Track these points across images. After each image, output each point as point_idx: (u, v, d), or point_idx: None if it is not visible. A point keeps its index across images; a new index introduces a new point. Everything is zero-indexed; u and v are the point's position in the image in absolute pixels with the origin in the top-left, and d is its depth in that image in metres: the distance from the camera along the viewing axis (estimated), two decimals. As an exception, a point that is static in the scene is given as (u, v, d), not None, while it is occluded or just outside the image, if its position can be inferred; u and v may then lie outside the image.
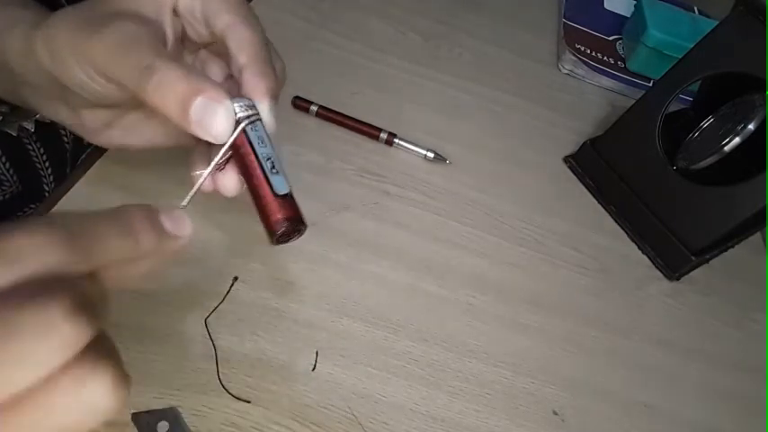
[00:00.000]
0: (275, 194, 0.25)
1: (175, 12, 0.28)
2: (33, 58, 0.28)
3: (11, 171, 0.41)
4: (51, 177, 0.45)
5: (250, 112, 0.26)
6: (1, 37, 0.29)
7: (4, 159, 0.41)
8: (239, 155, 0.26)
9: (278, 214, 0.25)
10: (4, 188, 0.42)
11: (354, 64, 0.57)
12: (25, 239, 0.17)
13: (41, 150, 0.43)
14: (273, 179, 0.25)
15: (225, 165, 0.27)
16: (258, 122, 0.26)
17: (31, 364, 0.16)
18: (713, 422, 0.43)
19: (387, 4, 0.65)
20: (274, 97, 0.27)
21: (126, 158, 0.42)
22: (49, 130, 0.42)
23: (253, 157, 0.25)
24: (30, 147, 0.42)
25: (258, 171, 0.25)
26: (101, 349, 0.18)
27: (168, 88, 0.24)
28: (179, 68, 0.24)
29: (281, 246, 0.42)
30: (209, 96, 0.24)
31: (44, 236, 0.18)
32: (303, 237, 0.44)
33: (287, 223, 0.25)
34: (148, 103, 0.25)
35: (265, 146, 0.26)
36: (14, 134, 0.40)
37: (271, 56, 0.28)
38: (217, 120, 0.24)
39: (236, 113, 0.25)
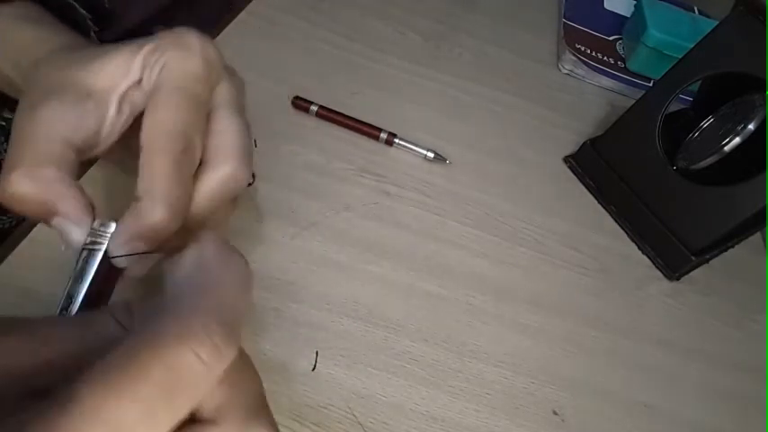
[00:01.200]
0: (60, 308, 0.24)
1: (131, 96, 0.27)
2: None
3: None
4: None
5: (99, 242, 0.24)
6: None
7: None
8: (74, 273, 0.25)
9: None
10: None
11: (354, 64, 0.57)
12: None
13: None
14: (64, 296, 0.24)
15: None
16: (96, 253, 0.24)
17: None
18: (713, 422, 0.43)
19: (387, 4, 0.65)
20: (143, 240, 0.24)
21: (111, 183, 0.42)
22: None
23: (70, 282, 0.24)
24: None
25: (66, 293, 0.24)
26: None
27: (23, 201, 0.24)
28: (37, 183, 0.24)
29: (281, 246, 0.42)
30: (70, 219, 0.24)
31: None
32: (304, 237, 0.44)
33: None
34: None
35: (80, 281, 0.24)
36: None
37: (175, 184, 0.25)
38: (72, 241, 0.25)
39: (87, 239, 0.24)
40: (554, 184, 0.55)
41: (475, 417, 0.38)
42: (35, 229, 0.37)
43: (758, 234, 0.55)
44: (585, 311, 0.46)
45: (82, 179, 0.41)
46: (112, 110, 0.27)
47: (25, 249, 0.36)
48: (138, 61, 0.27)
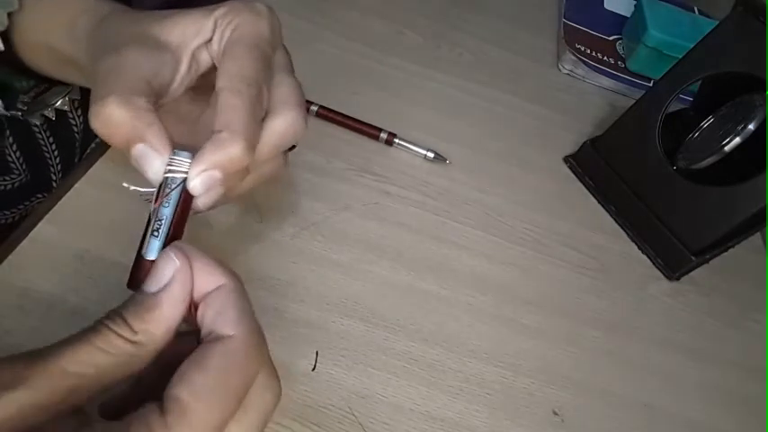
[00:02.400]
0: (142, 255, 0.25)
1: (203, 53, 0.29)
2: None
3: (20, 159, 0.42)
4: (59, 167, 0.45)
5: (179, 170, 0.26)
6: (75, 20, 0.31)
7: (14, 147, 0.41)
8: (153, 207, 0.26)
9: (134, 275, 0.25)
10: (13, 176, 0.42)
11: (354, 64, 0.57)
12: None
13: (51, 140, 0.43)
14: (149, 240, 0.25)
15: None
16: (181, 184, 0.26)
17: None
18: (713, 422, 0.43)
19: (387, 4, 0.65)
20: (220, 168, 0.26)
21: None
22: (61, 120, 0.43)
23: (153, 214, 0.26)
24: (40, 136, 0.42)
25: (147, 227, 0.26)
26: None
27: (113, 125, 0.25)
28: (130, 108, 0.25)
29: (281, 246, 0.42)
30: (151, 146, 0.26)
31: None
32: (304, 237, 0.44)
33: (133, 285, 0.25)
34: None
35: (167, 206, 0.26)
36: (37, 123, 0.41)
37: (249, 121, 0.27)
38: (149, 170, 0.26)
39: (168, 167, 0.26)
40: (554, 184, 0.55)
41: (475, 417, 0.38)
42: (35, 230, 0.37)
43: (758, 234, 0.55)
44: (585, 311, 0.46)
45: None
46: (185, 65, 0.29)
47: (25, 249, 0.36)
48: (210, 22, 0.29)
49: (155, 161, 0.26)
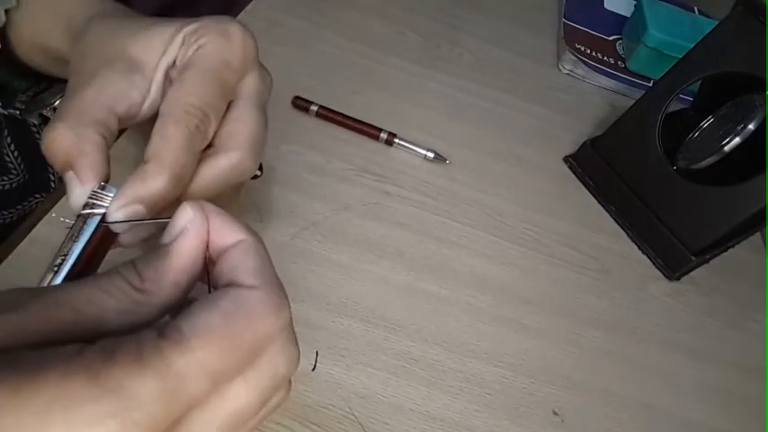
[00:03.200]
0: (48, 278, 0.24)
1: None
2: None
3: (18, 159, 0.42)
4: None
5: (99, 204, 0.25)
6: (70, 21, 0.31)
7: (12, 147, 0.41)
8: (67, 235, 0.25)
9: None
10: (11, 176, 0.42)
11: (354, 64, 0.57)
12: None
13: None
14: (47, 276, 0.24)
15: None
16: (97, 218, 0.25)
17: None
18: (713, 422, 0.43)
19: (387, 4, 0.65)
20: (143, 203, 0.25)
21: (127, 156, 0.42)
22: None
23: (63, 244, 0.24)
24: (38, 136, 0.42)
25: (55, 256, 0.24)
26: None
27: (53, 149, 0.25)
28: (69, 138, 0.25)
29: (281, 246, 0.42)
30: (77, 174, 0.25)
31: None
32: (304, 237, 0.44)
33: None
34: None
35: (77, 241, 0.24)
36: (36, 122, 0.41)
37: (185, 158, 0.26)
38: (71, 196, 0.25)
39: (87, 200, 0.25)
40: (554, 184, 0.55)
41: (475, 417, 0.38)
42: (35, 229, 0.37)
43: (758, 234, 0.55)
44: (585, 311, 0.46)
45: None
46: (155, 86, 0.28)
47: (25, 249, 0.36)
48: (177, 40, 0.28)
49: (75, 190, 0.25)
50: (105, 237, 0.25)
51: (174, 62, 0.28)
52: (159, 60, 0.28)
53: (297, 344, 0.23)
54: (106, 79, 0.27)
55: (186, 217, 0.22)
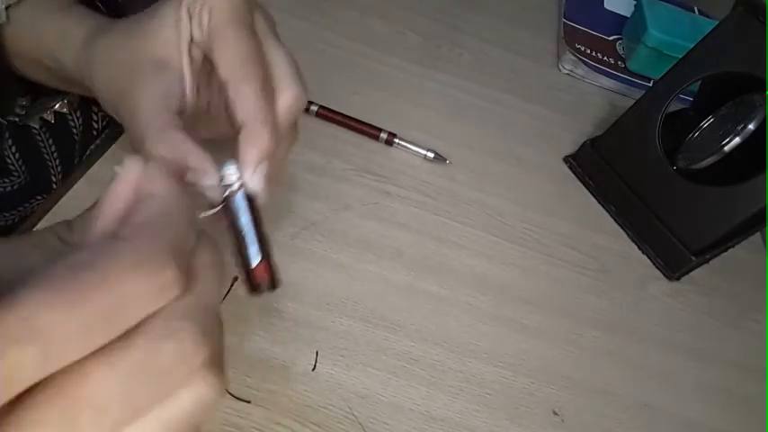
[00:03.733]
0: (247, 266, 0.26)
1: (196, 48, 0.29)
2: (82, 75, 0.31)
3: (20, 161, 0.42)
4: (59, 169, 0.45)
5: (233, 181, 0.26)
6: (60, 43, 0.32)
7: (14, 149, 0.41)
8: (228, 221, 0.27)
9: (251, 282, 0.26)
10: (12, 178, 0.42)
11: (354, 64, 0.57)
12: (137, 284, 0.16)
13: (50, 142, 0.43)
14: (247, 252, 0.26)
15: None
16: (239, 193, 0.26)
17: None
18: (713, 422, 0.43)
19: (387, 4, 0.65)
20: (264, 158, 0.27)
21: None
22: (61, 122, 0.43)
23: (231, 229, 0.26)
24: (39, 138, 0.42)
25: (236, 241, 0.26)
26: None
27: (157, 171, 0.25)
28: (166, 147, 0.26)
29: (281, 246, 0.42)
30: (197, 170, 0.26)
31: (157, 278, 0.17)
32: (304, 237, 0.44)
33: (255, 292, 0.26)
34: None
35: (240, 218, 0.26)
36: (36, 126, 0.41)
37: (267, 107, 0.27)
38: (206, 190, 0.26)
39: (221, 182, 0.26)
40: (554, 184, 0.55)
41: (475, 417, 0.38)
42: (35, 229, 0.37)
43: (758, 234, 0.55)
44: (585, 311, 0.46)
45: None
46: (187, 71, 0.29)
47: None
48: (183, 15, 0.28)
49: (208, 183, 0.26)
50: (252, 203, 0.27)
51: (192, 38, 0.28)
52: (179, 46, 0.28)
53: (212, 349, 0.18)
54: (146, 86, 0.27)
55: (124, 168, 0.21)
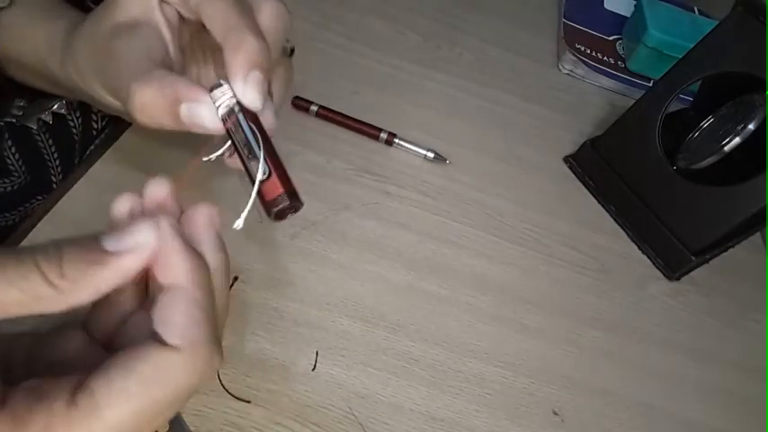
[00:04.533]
0: (255, 181, 0.25)
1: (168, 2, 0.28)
2: (69, 74, 0.30)
3: (20, 162, 0.42)
4: (59, 169, 0.45)
5: (227, 99, 0.25)
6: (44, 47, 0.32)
7: (14, 150, 0.41)
8: (233, 143, 0.26)
9: (265, 199, 0.25)
10: (12, 179, 0.42)
11: (354, 64, 0.57)
12: None
13: (50, 142, 0.43)
14: (250, 166, 0.25)
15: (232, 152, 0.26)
16: (235, 107, 0.25)
17: None
18: (713, 422, 0.43)
19: (387, 4, 0.65)
20: (254, 67, 0.25)
21: (128, 156, 0.42)
22: (60, 122, 0.43)
23: (233, 145, 0.25)
24: (39, 138, 0.42)
25: (239, 158, 0.25)
26: None
27: (152, 107, 0.25)
28: (152, 84, 0.25)
29: (281, 246, 0.42)
30: (189, 99, 0.25)
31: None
32: (304, 237, 0.44)
33: (274, 212, 0.25)
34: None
35: (239, 131, 0.25)
36: (34, 127, 0.41)
37: (247, 19, 0.26)
38: (204, 119, 0.25)
39: (217, 104, 0.25)
40: (554, 184, 0.55)
41: (475, 417, 0.38)
42: (34, 230, 0.37)
43: (758, 234, 0.55)
44: (585, 311, 0.46)
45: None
46: (163, 28, 0.28)
47: (25, 249, 0.36)
48: None
49: (202, 110, 0.25)
50: (255, 120, 0.25)
51: None
52: (149, 3, 0.27)
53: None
54: (126, 44, 0.27)
55: (143, 236, 0.20)
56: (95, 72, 0.28)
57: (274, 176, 0.25)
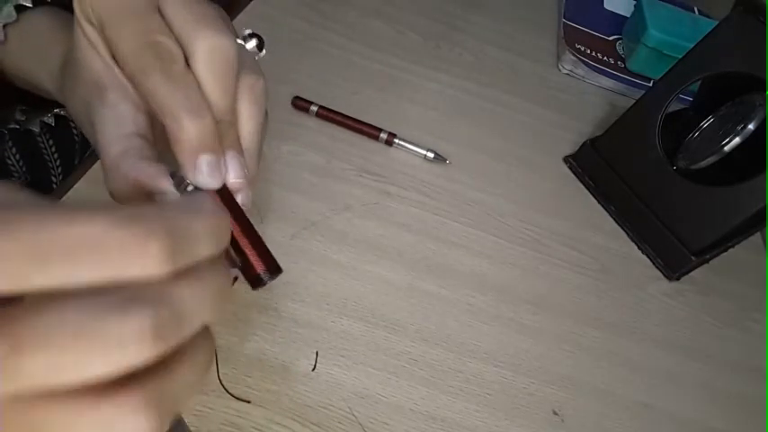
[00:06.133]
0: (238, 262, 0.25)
1: None
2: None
3: (20, 163, 0.42)
4: (60, 170, 0.45)
5: (185, 186, 0.24)
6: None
7: (15, 151, 0.41)
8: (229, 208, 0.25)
9: (248, 276, 0.25)
10: (13, 180, 0.42)
11: (354, 64, 0.57)
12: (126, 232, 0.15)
13: (51, 143, 0.43)
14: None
15: None
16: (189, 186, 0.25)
17: (88, 271, 0.15)
18: (713, 422, 0.43)
19: (387, 4, 0.65)
20: (200, 152, 0.23)
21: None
22: (61, 124, 0.43)
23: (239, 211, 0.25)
24: (40, 140, 0.42)
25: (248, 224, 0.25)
26: None
27: (123, 197, 0.25)
28: (118, 181, 0.24)
29: (281, 246, 0.42)
30: (154, 191, 0.24)
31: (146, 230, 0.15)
32: (304, 237, 0.44)
33: (256, 284, 0.25)
34: None
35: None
36: (36, 130, 0.41)
37: (179, 94, 0.23)
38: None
39: (181, 188, 0.24)
40: (554, 184, 0.55)
41: (475, 417, 0.38)
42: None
43: (758, 234, 0.55)
44: (585, 311, 0.46)
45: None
46: (129, 89, 0.26)
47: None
48: (85, 25, 0.25)
49: (171, 198, 0.24)
50: (225, 197, 0.25)
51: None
52: (102, 59, 0.26)
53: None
54: (98, 119, 0.25)
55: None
56: (78, 115, 0.28)
57: (250, 258, 0.25)
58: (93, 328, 0.14)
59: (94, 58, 0.26)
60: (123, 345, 0.14)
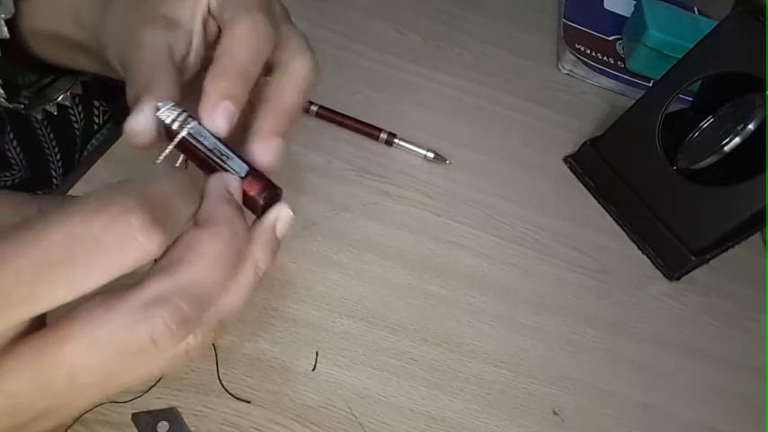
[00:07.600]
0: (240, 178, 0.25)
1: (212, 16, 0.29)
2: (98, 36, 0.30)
3: (20, 155, 0.42)
4: (60, 163, 0.45)
5: (177, 114, 0.25)
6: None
7: (15, 143, 0.41)
8: (192, 155, 0.25)
9: (248, 194, 0.25)
10: (13, 172, 0.42)
11: (354, 64, 0.57)
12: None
13: (51, 136, 0.43)
14: (230, 164, 0.25)
15: (186, 165, 0.26)
16: (190, 120, 0.25)
17: (97, 273, 0.17)
18: (713, 422, 0.43)
19: (387, 4, 0.65)
20: (227, 98, 0.25)
21: (128, 156, 0.42)
22: (63, 115, 0.43)
23: (202, 152, 0.25)
24: (40, 132, 0.42)
25: (212, 162, 0.25)
26: None
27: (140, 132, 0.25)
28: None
29: (281, 246, 0.42)
30: (138, 107, 0.25)
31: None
32: (304, 237, 0.44)
33: (261, 198, 0.25)
34: None
35: (206, 138, 0.25)
36: (39, 117, 0.41)
37: (241, 61, 0.26)
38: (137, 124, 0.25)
39: (165, 118, 0.25)
40: (554, 184, 0.55)
41: (475, 417, 0.38)
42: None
43: (758, 234, 0.55)
44: (585, 311, 0.46)
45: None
46: (195, 38, 0.28)
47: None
48: None
49: (138, 116, 0.25)
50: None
51: (209, 9, 0.28)
52: (194, 11, 0.28)
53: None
54: (155, 34, 0.27)
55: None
56: (119, 46, 0.29)
57: (251, 175, 0.25)
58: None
59: (186, 4, 0.28)
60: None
